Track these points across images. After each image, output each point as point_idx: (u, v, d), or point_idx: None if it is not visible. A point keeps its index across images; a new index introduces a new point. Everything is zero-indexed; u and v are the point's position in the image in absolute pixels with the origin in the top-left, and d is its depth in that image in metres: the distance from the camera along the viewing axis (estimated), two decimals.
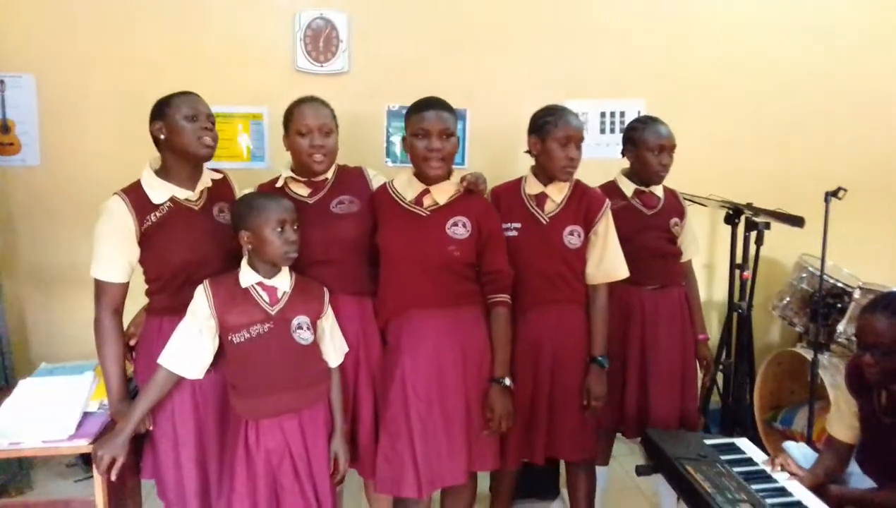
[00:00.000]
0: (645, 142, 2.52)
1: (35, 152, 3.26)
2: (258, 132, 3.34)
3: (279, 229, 1.98)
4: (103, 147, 3.25)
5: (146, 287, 2.16)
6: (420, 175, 2.27)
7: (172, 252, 2.08)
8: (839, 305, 3.15)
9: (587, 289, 2.39)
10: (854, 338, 3.05)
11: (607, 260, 2.36)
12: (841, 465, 2.13)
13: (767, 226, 2.64)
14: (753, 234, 2.77)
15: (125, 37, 3.24)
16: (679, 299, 2.62)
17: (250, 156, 3.34)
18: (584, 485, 2.52)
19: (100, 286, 2.08)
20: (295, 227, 2.02)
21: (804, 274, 3.31)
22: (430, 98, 2.25)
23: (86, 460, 3.15)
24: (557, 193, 2.38)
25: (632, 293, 2.52)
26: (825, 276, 3.23)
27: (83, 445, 2.03)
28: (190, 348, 1.99)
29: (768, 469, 2.02)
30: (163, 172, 2.14)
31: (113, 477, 1.97)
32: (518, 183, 2.47)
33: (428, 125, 2.17)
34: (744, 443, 2.17)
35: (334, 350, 2.16)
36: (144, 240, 2.08)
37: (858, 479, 2.12)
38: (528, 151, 2.42)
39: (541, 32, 3.47)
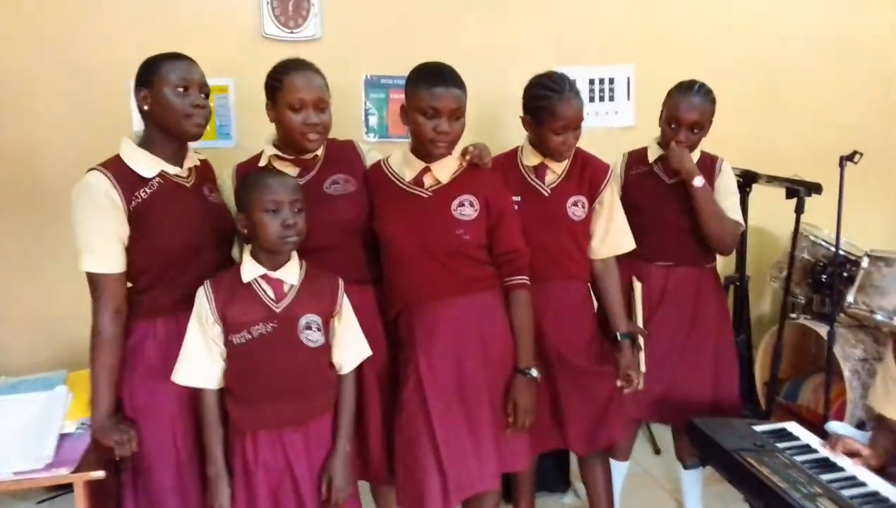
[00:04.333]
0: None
1: None
2: (224, 107, 3.01)
3: (273, 210, 1.73)
4: (53, 127, 2.88)
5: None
6: (418, 151, 2.04)
7: (166, 235, 1.81)
8: (844, 274, 3.06)
9: (590, 265, 2.25)
10: (865, 306, 2.99)
11: (613, 232, 2.24)
12: None
13: (809, 193, 2.49)
14: (793, 202, 2.57)
15: (74, 5, 2.86)
16: (697, 279, 2.42)
17: (215, 134, 3.02)
18: (601, 477, 2.36)
19: (96, 281, 1.78)
20: (297, 208, 1.77)
21: (804, 244, 3.21)
22: (442, 68, 2.00)
23: None
24: (558, 164, 2.21)
25: (638, 267, 2.37)
26: (827, 245, 3.15)
27: (63, 475, 1.74)
28: (202, 356, 1.74)
29: (828, 453, 1.87)
30: (146, 145, 1.86)
31: (135, 448, 1.79)
32: (513, 154, 2.29)
33: (439, 104, 1.93)
34: (795, 428, 2.03)
35: (348, 354, 1.90)
36: (133, 221, 1.79)
37: None
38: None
39: None
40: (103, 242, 1.78)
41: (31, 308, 2.86)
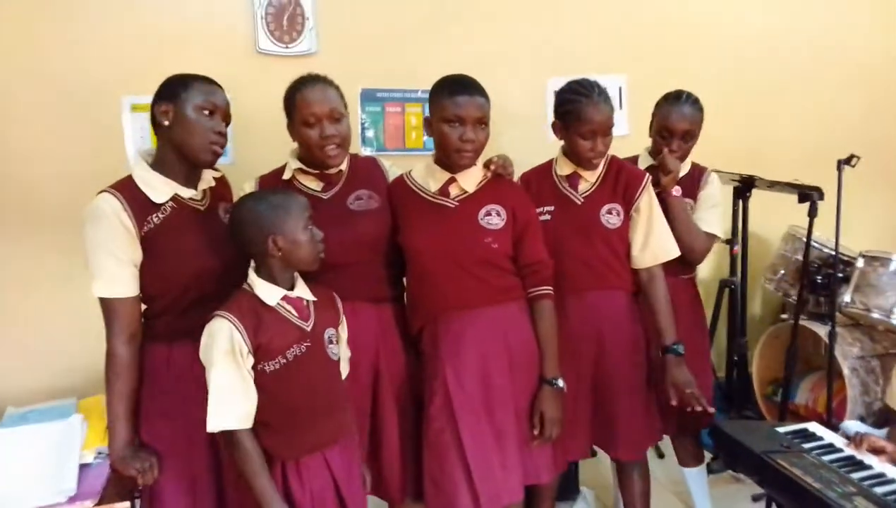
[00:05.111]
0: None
1: None
2: None
3: (310, 228, 1.71)
4: (33, 144, 2.79)
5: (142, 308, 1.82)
6: (443, 162, 2.03)
7: (181, 262, 1.76)
8: (839, 275, 3.12)
9: (634, 275, 2.21)
10: (862, 305, 3.05)
11: (654, 240, 2.18)
12: None
13: (821, 197, 2.54)
14: (783, 205, 2.63)
15: (59, 18, 2.78)
16: (671, 288, 2.30)
17: None
18: (639, 486, 2.35)
19: (109, 307, 1.72)
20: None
21: (798, 246, 3.27)
22: (464, 78, 2.01)
23: None
24: (591, 172, 2.20)
25: None
26: (820, 246, 3.21)
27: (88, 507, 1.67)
28: (242, 393, 1.63)
29: (853, 451, 1.90)
30: (159, 166, 1.80)
31: (157, 475, 1.75)
32: (549, 165, 2.29)
33: (463, 112, 1.93)
34: (817, 428, 2.04)
35: (345, 360, 1.90)
36: (145, 246, 1.74)
37: None
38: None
39: (523, 7, 3.26)
40: (115, 267, 1.72)
41: (29, 334, 2.75)
